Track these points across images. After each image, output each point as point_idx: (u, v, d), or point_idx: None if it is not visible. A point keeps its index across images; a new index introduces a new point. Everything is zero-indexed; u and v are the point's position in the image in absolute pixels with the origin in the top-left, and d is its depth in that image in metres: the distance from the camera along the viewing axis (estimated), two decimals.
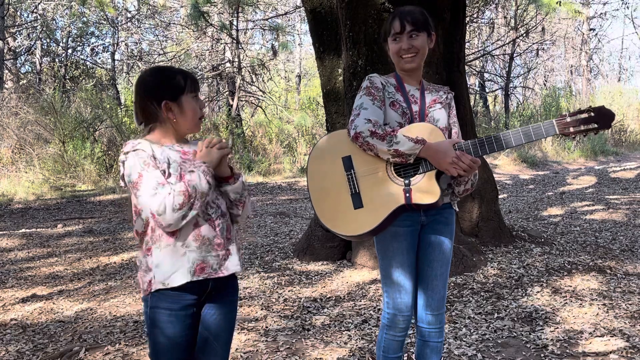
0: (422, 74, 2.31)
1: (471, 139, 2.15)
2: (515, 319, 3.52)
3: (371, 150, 2.11)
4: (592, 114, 2.04)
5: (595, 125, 2.04)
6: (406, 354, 2.94)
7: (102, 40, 21.20)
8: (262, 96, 16.22)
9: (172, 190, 1.75)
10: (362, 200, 2.15)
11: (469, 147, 2.11)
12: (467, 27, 14.48)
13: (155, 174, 1.77)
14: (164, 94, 1.84)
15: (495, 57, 20.12)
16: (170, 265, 1.80)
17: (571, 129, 2.06)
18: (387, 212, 2.11)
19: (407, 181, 2.11)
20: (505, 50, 18.80)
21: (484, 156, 2.45)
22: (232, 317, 1.96)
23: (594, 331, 3.27)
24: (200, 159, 1.84)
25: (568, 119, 2.05)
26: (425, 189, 2.10)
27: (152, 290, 1.82)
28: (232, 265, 1.86)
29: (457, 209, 2.31)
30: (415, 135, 2.09)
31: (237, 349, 3.16)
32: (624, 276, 4.31)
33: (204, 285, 1.83)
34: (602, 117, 2.04)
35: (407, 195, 2.09)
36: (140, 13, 19.23)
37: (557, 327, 3.36)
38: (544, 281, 4.22)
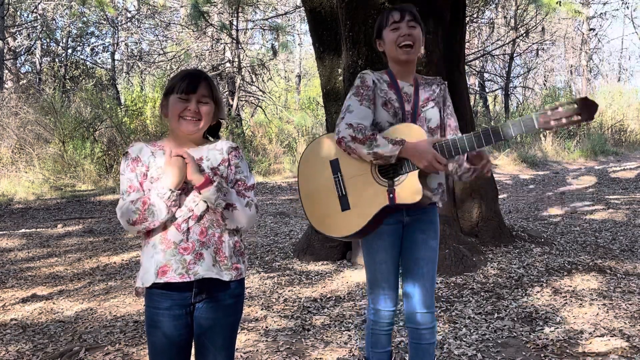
0: (415, 70, 2.29)
1: (452, 137, 2.14)
2: (515, 319, 3.52)
3: (354, 153, 2.13)
4: (575, 105, 1.99)
5: (579, 117, 1.98)
6: (400, 359, 2.95)
7: (102, 40, 21.22)
8: (262, 96, 16.22)
9: (131, 204, 1.78)
10: (349, 202, 2.19)
11: (449, 145, 2.09)
12: (467, 27, 14.48)
13: (129, 177, 1.83)
14: (165, 92, 1.90)
15: (495, 57, 20.11)
16: (144, 265, 1.84)
17: (552, 122, 2.01)
18: (372, 213, 2.14)
19: (391, 182, 2.13)
20: (505, 50, 18.80)
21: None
22: (228, 322, 1.90)
23: (594, 331, 3.27)
24: (165, 177, 1.78)
25: (549, 112, 2.01)
26: (408, 189, 2.12)
27: (136, 286, 1.87)
28: (203, 270, 1.79)
29: (441, 206, 2.31)
30: (395, 136, 2.10)
31: (237, 349, 3.15)
32: (624, 276, 4.31)
33: (189, 285, 1.82)
34: (585, 108, 1.98)
35: (391, 195, 2.12)
36: (140, 13, 19.23)
37: (557, 327, 3.36)
38: (544, 281, 4.22)
